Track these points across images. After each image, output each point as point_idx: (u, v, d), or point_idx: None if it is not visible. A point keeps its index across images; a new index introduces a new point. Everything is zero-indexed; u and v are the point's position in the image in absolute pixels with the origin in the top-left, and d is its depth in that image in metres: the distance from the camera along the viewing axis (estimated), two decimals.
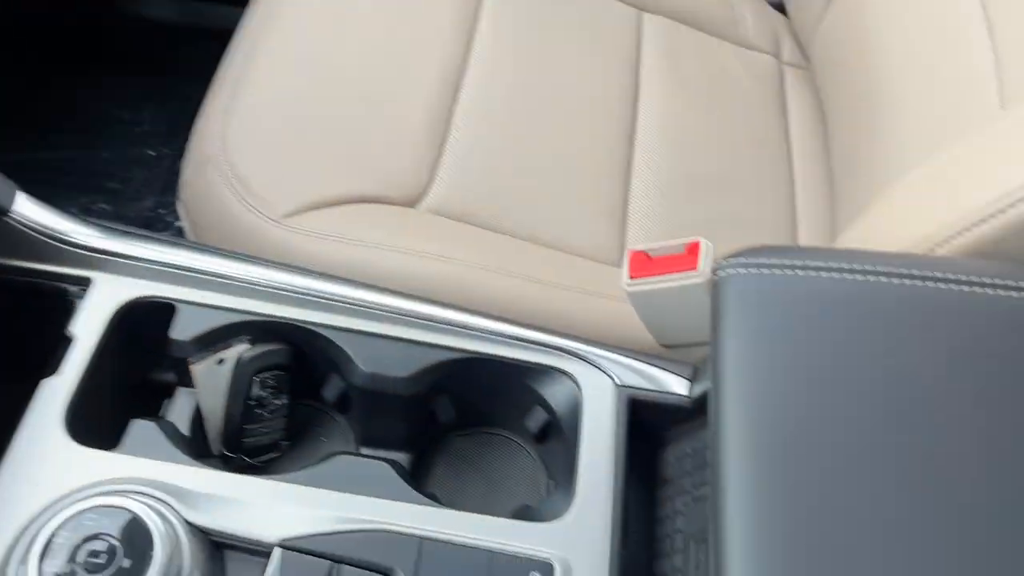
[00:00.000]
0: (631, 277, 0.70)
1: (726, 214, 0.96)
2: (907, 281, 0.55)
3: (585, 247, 0.88)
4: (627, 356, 0.66)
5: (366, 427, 0.67)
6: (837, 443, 0.49)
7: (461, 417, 0.69)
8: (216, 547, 0.55)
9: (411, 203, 0.83)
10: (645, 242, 0.93)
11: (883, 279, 0.55)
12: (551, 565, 0.55)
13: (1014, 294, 0.54)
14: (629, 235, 0.91)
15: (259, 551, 0.54)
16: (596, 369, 0.65)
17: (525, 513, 0.61)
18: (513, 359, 0.64)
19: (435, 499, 0.62)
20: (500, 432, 0.70)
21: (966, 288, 0.54)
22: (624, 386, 0.64)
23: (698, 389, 0.63)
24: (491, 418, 0.70)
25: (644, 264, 0.70)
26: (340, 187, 0.82)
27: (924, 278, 0.55)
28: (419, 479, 0.68)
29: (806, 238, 0.99)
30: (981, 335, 0.52)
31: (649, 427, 0.67)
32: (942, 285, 0.54)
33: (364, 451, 0.68)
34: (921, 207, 0.63)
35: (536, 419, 0.66)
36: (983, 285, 0.54)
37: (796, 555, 0.46)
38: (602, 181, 0.93)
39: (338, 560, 0.53)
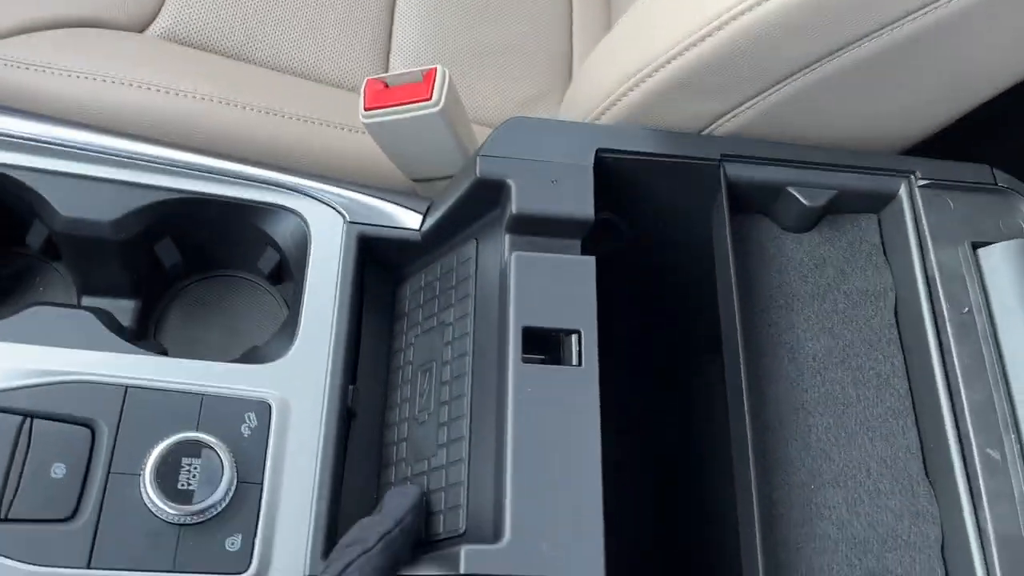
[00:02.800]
0: (366, 108, 0.67)
1: (499, 44, 0.93)
2: None
3: (343, 77, 0.83)
4: (359, 192, 0.64)
5: (84, 276, 0.63)
6: None
7: (192, 262, 0.65)
8: None
9: (138, 28, 0.75)
10: (405, 66, 0.89)
11: None
12: (268, 405, 0.55)
13: None
14: (393, 64, 0.87)
15: None
16: (325, 206, 0.62)
17: (252, 355, 0.60)
18: (234, 198, 0.61)
19: (161, 348, 0.60)
20: (239, 274, 0.68)
21: None
22: (354, 223, 0.62)
23: (429, 223, 0.62)
24: (226, 261, 0.67)
25: (381, 94, 0.67)
26: (50, 7, 0.73)
27: None
28: (148, 328, 0.65)
29: (579, 68, 0.97)
30: None
31: (387, 263, 0.66)
32: None
33: (86, 301, 0.64)
34: (625, 46, 0.62)
35: (268, 260, 0.64)
36: None
37: None
38: (364, 5, 0.87)
39: (29, 414, 0.51)
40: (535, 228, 0.56)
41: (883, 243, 0.62)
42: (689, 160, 0.59)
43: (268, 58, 0.80)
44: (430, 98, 0.65)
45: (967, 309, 0.56)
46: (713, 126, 0.63)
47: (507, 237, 0.56)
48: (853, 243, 0.62)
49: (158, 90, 0.70)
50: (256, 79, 0.77)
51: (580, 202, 0.55)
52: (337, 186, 0.63)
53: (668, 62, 0.58)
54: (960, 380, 0.54)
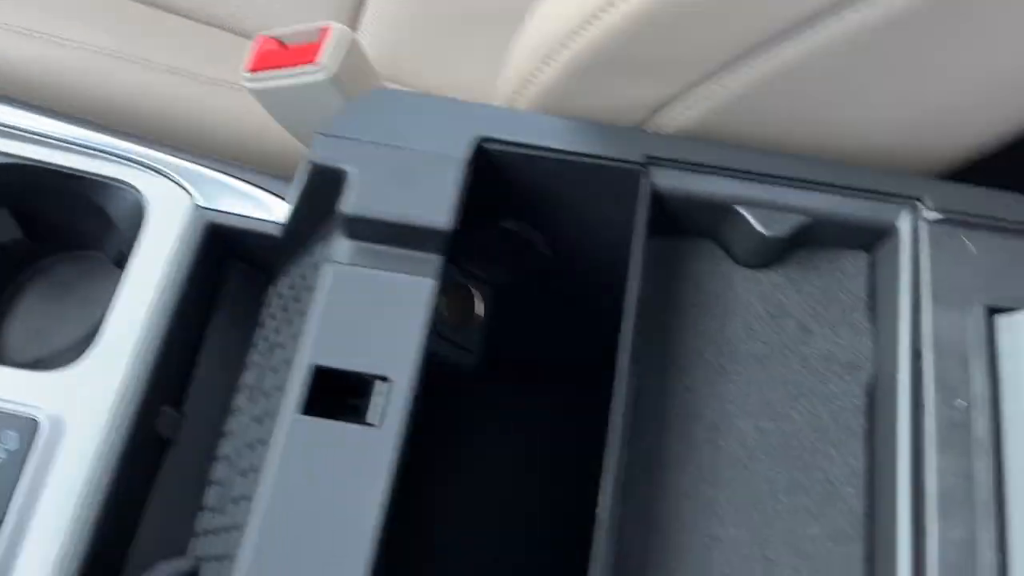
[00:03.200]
0: (249, 70, 0.56)
1: (494, 9, 0.79)
2: None
3: None
4: (219, 170, 0.53)
5: None
6: None
7: (38, 236, 0.56)
8: None
9: None
10: (376, 30, 0.78)
11: None
12: (35, 423, 0.45)
13: None
14: (363, 25, 0.76)
15: None
16: (170, 183, 0.51)
17: (47, 359, 0.50)
18: (60, 167, 0.51)
19: None
20: (94, 254, 0.58)
21: None
22: (206, 208, 0.51)
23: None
24: (82, 240, 0.57)
25: (270, 54, 0.56)
26: None
27: None
28: None
29: None
30: None
31: (254, 259, 0.55)
32: None
33: None
34: (543, 9, 0.48)
35: (113, 241, 0.54)
36: None
37: None
38: None
39: None
40: (380, 235, 0.43)
41: (870, 295, 0.45)
42: (600, 161, 0.44)
43: (199, 7, 0.70)
44: (316, 61, 0.54)
45: (963, 404, 0.39)
46: (657, 119, 0.48)
47: (340, 243, 0.43)
48: (828, 290, 0.45)
49: (38, 37, 0.61)
50: (172, 32, 0.67)
51: (437, 206, 0.42)
52: (192, 160, 0.53)
53: (582, 28, 0.44)
54: (934, 508, 0.37)
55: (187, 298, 0.49)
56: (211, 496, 0.48)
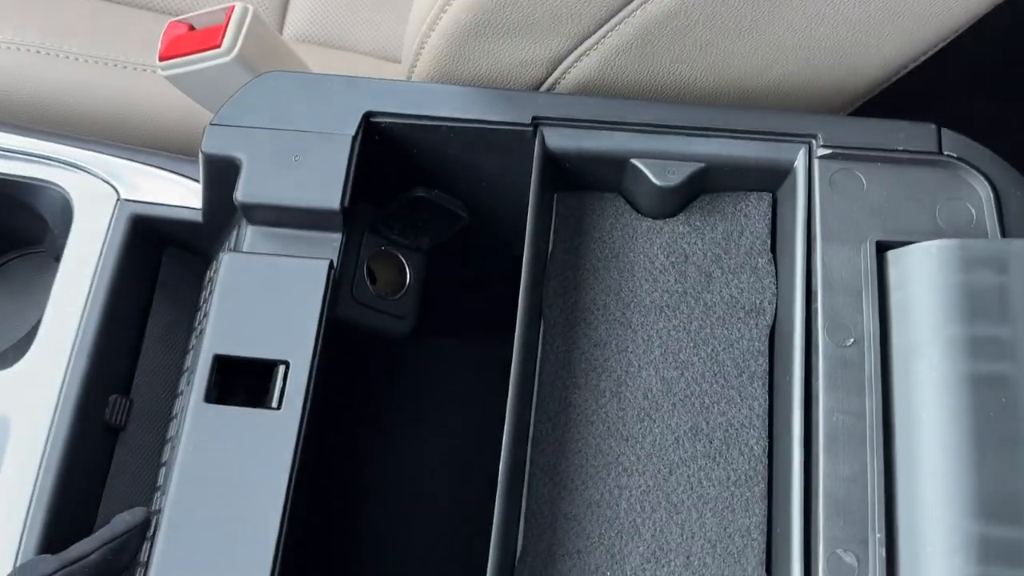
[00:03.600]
0: (161, 58, 0.56)
1: None
2: None
3: None
4: (149, 163, 0.54)
5: None
6: None
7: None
8: None
9: None
10: (306, 8, 0.77)
11: None
12: None
13: None
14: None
15: None
16: (97, 180, 0.53)
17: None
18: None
19: None
20: (43, 251, 0.60)
21: None
22: (130, 200, 0.53)
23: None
24: (25, 237, 0.59)
25: (179, 40, 0.56)
26: None
27: None
28: None
29: None
30: None
31: (190, 246, 0.56)
32: None
33: None
34: None
35: (50, 239, 0.56)
36: None
37: None
38: None
39: None
40: (276, 219, 0.44)
41: (773, 236, 0.45)
42: (488, 125, 0.44)
43: None
44: (220, 45, 0.54)
45: (852, 341, 0.39)
46: (553, 78, 0.47)
47: (242, 229, 0.44)
48: (730, 235, 0.45)
49: None
50: (105, 21, 0.67)
51: (328, 186, 0.43)
52: (117, 155, 0.54)
53: None
54: (820, 446, 0.38)
55: (122, 288, 0.51)
56: (161, 478, 0.50)
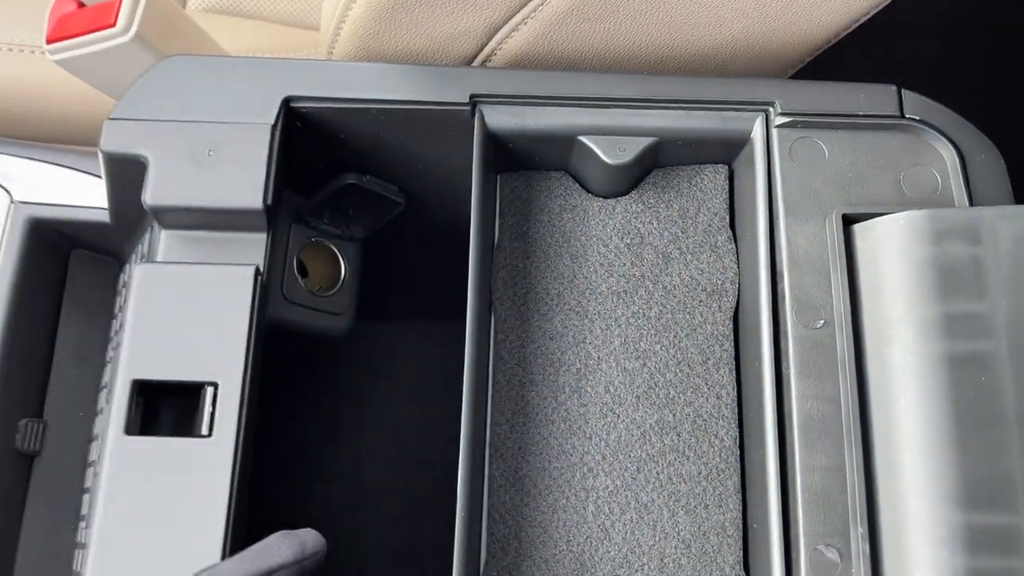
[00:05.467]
0: (48, 40, 0.51)
1: None
2: None
3: None
4: (44, 159, 0.48)
5: None
6: None
7: None
8: None
9: None
10: None
11: None
12: None
13: None
14: None
15: None
16: None
17: None
18: None
19: None
20: None
21: None
22: (26, 203, 0.47)
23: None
24: None
25: (70, 20, 0.50)
26: None
27: None
28: None
29: None
30: None
31: (103, 248, 0.51)
32: None
33: None
34: None
35: None
36: None
37: None
38: None
39: None
40: (192, 222, 0.39)
41: (732, 211, 0.43)
42: (422, 107, 0.40)
43: None
44: (114, 24, 0.48)
45: (822, 323, 0.37)
46: (487, 50, 0.44)
47: (155, 235, 0.40)
48: (687, 212, 0.42)
49: None
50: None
51: (245, 183, 0.38)
52: (10, 153, 0.48)
53: None
54: (796, 436, 0.36)
55: (26, 300, 0.46)
56: (85, 506, 0.46)
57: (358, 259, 0.51)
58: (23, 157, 0.49)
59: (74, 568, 0.46)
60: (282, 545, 0.34)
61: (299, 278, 0.48)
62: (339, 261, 0.51)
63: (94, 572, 0.34)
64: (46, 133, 0.57)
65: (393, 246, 0.50)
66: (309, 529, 0.35)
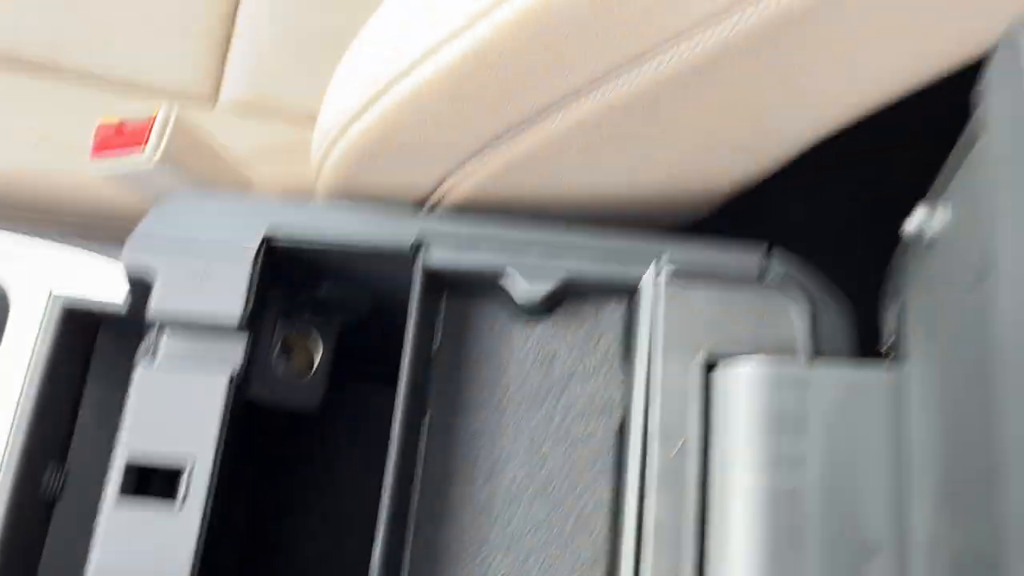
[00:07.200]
0: (92, 157, 0.61)
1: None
2: None
3: (170, 83, 0.77)
4: (83, 249, 0.59)
5: None
6: None
7: None
8: None
9: None
10: (243, 71, 0.82)
11: None
12: None
13: None
14: (232, 63, 0.80)
15: None
16: (31, 271, 0.58)
17: None
18: None
19: None
20: None
21: None
22: (61, 295, 0.58)
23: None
24: None
25: (110, 139, 0.61)
26: None
27: None
28: None
29: None
30: None
31: (119, 327, 0.61)
32: None
33: None
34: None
35: None
36: None
37: None
38: None
39: None
40: (183, 332, 0.49)
41: (625, 344, 0.51)
42: (375, 250, 0.50)
43: (84, 65, 0.75)
44: (142, 148, 0.59)
45: (676, 451, 0.45)
46: (438, 192, 0.53)
47: (152, 338, 0.49)
48: (590, 338, 0.51)
49: None
50: (45, 97, 0.72)
51: (228, 301, 0.48)
52: (51, 242, 0.59)
53: (353, 121, 0.48)
54: (648, 540, 0.44)
55: (54, 368, 0.56)
56: None
57: (334, 342, 0.60)
58: (64, 248, 0.59)
59: None
60: None
61: (282, 360, 0.57)
62: (319, 343, 0.61)
63: None
64: (85, 218, 0.68)
65: (366, 332, 0.59)
66: None
